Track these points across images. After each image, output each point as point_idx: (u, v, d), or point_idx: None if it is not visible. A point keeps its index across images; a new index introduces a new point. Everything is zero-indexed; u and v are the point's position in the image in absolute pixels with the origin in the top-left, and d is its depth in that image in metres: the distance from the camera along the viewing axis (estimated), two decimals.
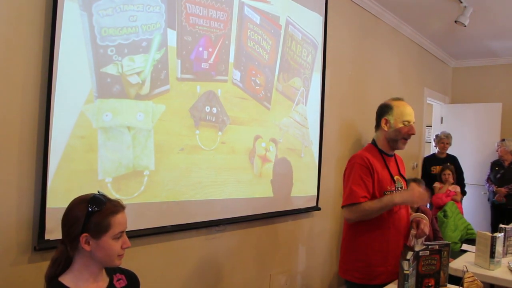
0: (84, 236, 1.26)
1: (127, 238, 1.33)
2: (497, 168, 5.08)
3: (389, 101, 2.17)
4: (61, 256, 1.30)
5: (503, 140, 5.17)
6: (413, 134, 2.11)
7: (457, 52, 5.92)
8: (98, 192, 1.34)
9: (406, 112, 2.10)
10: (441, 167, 4.71)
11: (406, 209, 2.19)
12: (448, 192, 4.49)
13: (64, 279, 1.28)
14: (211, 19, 2.50)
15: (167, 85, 2.28)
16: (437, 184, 4.65)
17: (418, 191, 2.04)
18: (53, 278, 1.28)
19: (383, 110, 2.16)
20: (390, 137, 2.12)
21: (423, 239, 2.05)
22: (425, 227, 2.07)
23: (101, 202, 1.29)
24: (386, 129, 2.12)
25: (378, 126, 2.17)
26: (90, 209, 1.27)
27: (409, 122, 2.09)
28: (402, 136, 2.10)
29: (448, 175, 4.54)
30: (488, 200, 5.18)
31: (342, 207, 2.09)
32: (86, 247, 1.26)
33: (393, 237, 2.06)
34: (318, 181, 3.47)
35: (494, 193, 5.00)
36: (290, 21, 3.09)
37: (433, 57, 5.81)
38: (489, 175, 5.18)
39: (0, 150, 1.71)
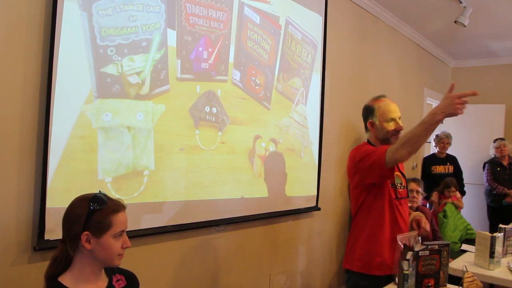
0: (85, 235, 1.26)
1: (127, 238, 1.34)
2: (499, 169, 5.02)
3: (370, 102, 2.18)
4: (61, 255, 1.30)
5: (502, 139, 5.13)
6: (401, 129, 2.10)
7: (457, 52, 5.92)
8: (99, 191, 1.34)
9: (388, 110, 2.10)
10: (444, 182, 4.31)
11: (407, 206, 2.21)
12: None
13: (64, 279, 1.28)
14: (211, 19, 2.50)
15: (167, 85, 2.28)
16: (435, 198, 4.31)
17: (455, 98, 1.64)
18: (53, 278, 1.28)
19: (366, 113, 2.18)
20: (380, 138, 2.13)
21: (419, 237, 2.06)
22: (426, 224, 2.10)
23: (102, 200, 1.30)
24: (373, 131, 2.15)
25: (366, 128, 2.20)
26: (91, 207, 1.27)
27: (393, 119, 2.09)
28: (391, 134, 2.10)
29: (453, 192, 4.21)
30: (491, 202, 5.06)
31: (384, 155, 1.86)
32: (87, 246, 1.26)
33: (395, 229, 2.06)
34: (318, 181, 3.47)
35: (502, 195, 4.92)
36: (290, 21, 3.09)
37: (433, 57, 5.81)
38: (490, 175, 5.06)
39: (0, 150, 1.72)
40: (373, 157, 1.95)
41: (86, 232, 1.26)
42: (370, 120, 2.15)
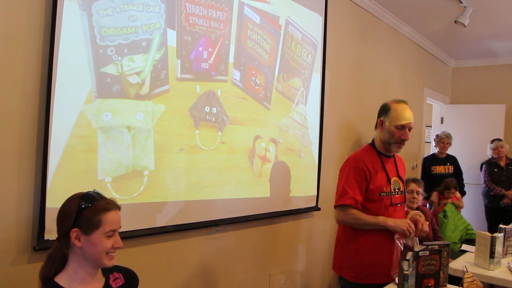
0: (74, 231, 1.26)
1: (119, 238, 1.33)
2: (496, 170, 5.00)
3: (390, 102, 2.15)
4: (56, 253, 1.30)
5: (499, 140, 5.11)
6: (406, 140, 2.08)
7: (457, 52, 5.92)
8: (93, 190, 1.35)
9: (402, 116, 2.05)
10: (444, 182, 4.26)
11: (403, 211, 2.19)
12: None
13: (60, 279, 1.28)
14: (211, 19, 2.50)
15: (167, 85, 2.28)
16: (435, 198, 4.28)
17: (411, 226, 2.00)
18: (49, 278, 1.28)
19: (382, 111, 2.15)
20: (384, 139, 2.12)
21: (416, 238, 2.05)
22: (424, 225, 2.06)
23: (93, 198, 1.30)
24: (381, 130, 2.13)
25: (376, 125, 2.18)
26: (82, 205, 1.28)
27: (403, 127, 2.05)
28: (394, 140, 2.08)
29: (453, 193, 4.16)
30: (489, 203, 5.04)
31: (335, 207, 2.09)
32: (77, 243, 1.26)
33: (386, 238, 2.05)
34: (318, 181, 3.47)
35: (499, 196, 4.91)
36: (290, 21, 3.09)
37: (433, 57, 5.81)
38: (487, 176, 5.03)
39: (0, 150, 1.71)
40: (337, 193, 2.13)
41: (75, 229, 1.26)
42: (382, 118, 2.12)
